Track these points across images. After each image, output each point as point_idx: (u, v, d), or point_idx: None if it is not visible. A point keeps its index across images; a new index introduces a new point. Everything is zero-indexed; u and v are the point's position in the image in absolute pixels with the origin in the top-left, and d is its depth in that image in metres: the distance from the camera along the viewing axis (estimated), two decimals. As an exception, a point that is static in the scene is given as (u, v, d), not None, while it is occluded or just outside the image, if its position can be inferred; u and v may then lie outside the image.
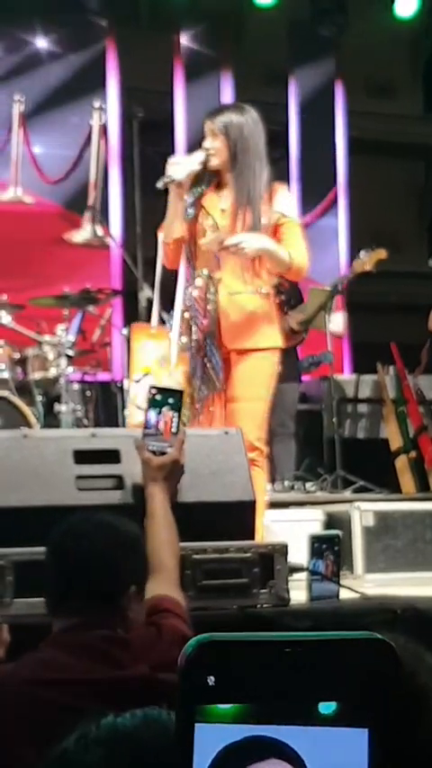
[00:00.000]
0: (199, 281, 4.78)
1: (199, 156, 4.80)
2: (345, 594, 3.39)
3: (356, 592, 3.39)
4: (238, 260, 4.75)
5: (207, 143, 4.81)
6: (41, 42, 10.15)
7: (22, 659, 2.44)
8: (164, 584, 2.75)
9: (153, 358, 4.75)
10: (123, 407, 7.73)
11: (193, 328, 4.75)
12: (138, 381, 4.72)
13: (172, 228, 4.76)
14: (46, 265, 9.44)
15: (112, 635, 2.46)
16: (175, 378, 4.66)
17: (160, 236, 4.76)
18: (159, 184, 4.72)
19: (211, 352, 4.73)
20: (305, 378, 8.67)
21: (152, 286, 4.80)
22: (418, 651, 2.02)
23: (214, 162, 4.79)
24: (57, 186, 9.99)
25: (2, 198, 10.06)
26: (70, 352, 7.29)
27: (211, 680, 0.75)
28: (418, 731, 1.93)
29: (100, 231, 9.67)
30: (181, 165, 4.74)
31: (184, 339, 4.78)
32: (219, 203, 4.83)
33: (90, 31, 10.25)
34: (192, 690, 0.75)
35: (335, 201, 11.33)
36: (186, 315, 4.78)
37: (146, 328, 4.86)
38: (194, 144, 9.71)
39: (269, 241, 4.73)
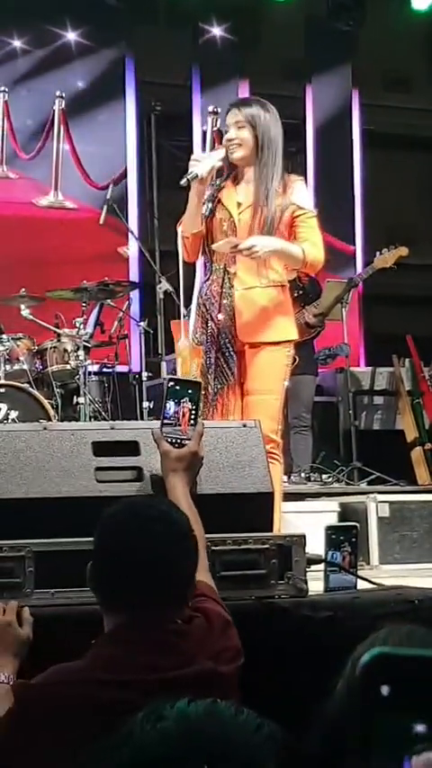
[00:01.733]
0: (215, 276, 4.81)
1: (220, 153, 4.82)
2: (362, 585, 3.41)
3: (373, 583, 3.42)
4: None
5: (232, 133, 4.82)
6: (69, 35, 10.13)
7: (88, 657, 2.41)
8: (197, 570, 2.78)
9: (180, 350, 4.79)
10: (141, 399, 7.79)
11: (209, 323, 4.79)
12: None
13: (192, 222, 4.78)
14: (64, 258, 9.48)
15: (176, 628, 2.48)
16: (194, 370, 4.70)
17: (180, 230, 4.78)
18: (183, 182, 4.72)
19: (226, 346, 4.76)
20: (321, 370, 8.70)
21: (177, 280, 4.83)
22: None
23: (238, 154, 4.80)
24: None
25: (41, 203, 9.99)
26: (88, 345, 7.34)
27: (385, 690, 0.77)
28: None
29: (60, 196, 9.76)
30: (203, 162, 4.75)
31: (199, 333, 4.81)
32: (236, 197, 4.85)
33: (109, 26, 10.26)
34: (367, 699, 0.77)
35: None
36: (203, 309, 4.81)
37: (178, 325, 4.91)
38: (211, 138, 9.82)
39: (280, 241, 4.76)
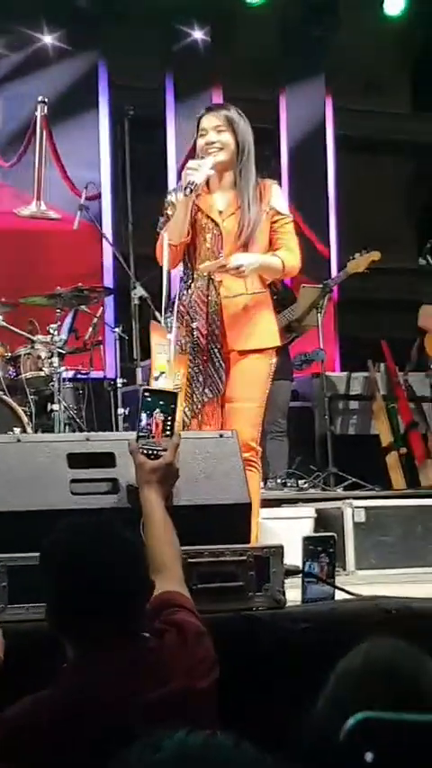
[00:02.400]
0: (199, 283, 4.79)
1: (212, 160, 4.76)
2: (339, 595, 3.40)
3: (351, 594, 3.40)
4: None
5: (212, 137, 4.79)
6: (46, 39, 10.02)
7: (61, 684, 2.37)
8: (169, 582, 2.76)
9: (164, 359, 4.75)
10: (116, 405, 7.75)
11: (195, 332, 4.76)
12: (157, 379, 4.72)
13: (180, 231, 4.74)
14: (39, 264, 9.42)
15: (149, 646, 2.46)
16: (174, 380, 4.66)
17: (165, 237, 4.72)
18: (187, 192, 4.66)
19: (215, 355, 4.74)
20: (297, 375, 8.69)
21: (159, 287, 4.77)
22: (420, 656, 2.03)
23: (220, 158, 4.77)
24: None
25: (23, 213, 9.83)
26: (63, 351, 7.29)
27: (369, 757, 0.75)
28: None
29: (44, 206, 9.62)
30: (200, 170, 4.71)
31: (183, 341, 4.77)
32: (215, 204, 4.83)
33: (83, 29, 10.21)
34: (351, 765, 0.75)
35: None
36: (187, 317, 4.78)
37: (163, 328, 4.85)
38: (185, 143, 9.80)
39: (262, 257, 4.78)
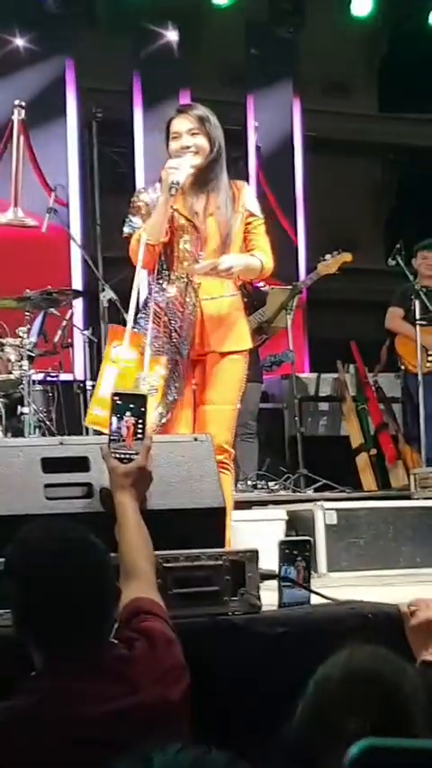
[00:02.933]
0: (177, 284, 4.77)
1: (191, 160, 4.73)
2: (315, 599, 3.39)
3: (327, 598, 3.40)
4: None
5: (187, 140, 4.76)
6: (18, 41, 9.90)
7: (33, 693, 2.34)
8: (141, 587, 2.75)
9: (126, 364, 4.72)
10: (86, 408, 7.72)
11: (173, 333, 4.74)
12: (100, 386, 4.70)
13: (159, 231, 4.71)
14: (6, 267, 9.36)
15: (119, 654, 2.44)
16: (150, 381, 4.64)
17: (143, 237, 4.69)
18: (172, 191, 4.63)
19: (184, 357, 4.74)
20: (266, 377, 8.69)
21: (130, 288, 4.75)
22: (400, 663, 2.02)
23: (197, 161, 4.75)
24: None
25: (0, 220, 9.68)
26: (32, 354, 7.26)
27: None
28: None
29: (21, 213, 9.51)
30: (181, 169, 4.68)
31: (161, 343, 4.75)
32: (191, 205, 4.81)
33: (53, 32, 10.15)
34: None
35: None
36: (165, 318, 4.76)
37: (123, 331, 4.81)
38: (153, 145, 9.78)
39: (244, 257, 4.80)
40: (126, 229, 4.85)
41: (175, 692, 2.45)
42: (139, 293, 4.89)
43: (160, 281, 4.80)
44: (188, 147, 4.74)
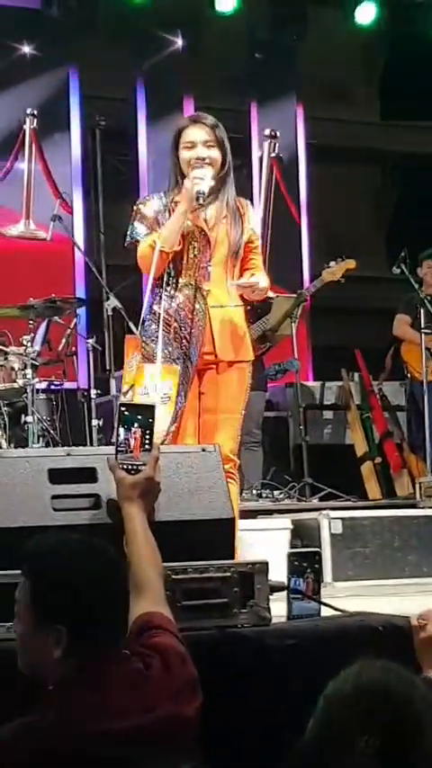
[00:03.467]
0: (186, 292, 4.76)
1: (211, 171, 4.75)
2: (325, 611, 3.36)
3: (338, 610, 3.37)
4: (224, 274, 4.77)
5: (202, 152, 4.77)
6: (25, 49, 9.87)
7: (54, 705, 2.32)
8: (151, 602, 2.72)
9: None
10: (90, 417, 7.70)
11: (183, 340, 4.73)
12: (125, 394, 4.68)
13: (175, 239, 4.71)
14: (10, 275, 9.33)
15: (136, 669, 2.43)
16: (163, 390, 4.63)
17: (158, 243, 4.69)
18: (201, 201, 4.66)
19: (192, 364, 4.73)
20: (271, 385, 8.67)
21: (137, 295, 4.76)
22: (411, 678, 2.01)
23: (212, 173, 4.77)
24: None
25: (11, 232, 9.59)
26: (36, 362, 7.25)
27: None
28: (415, 756, 1.92)
29: (32, 225, 9.45)
30: (206, 180, 4.70)
31: (170, 349, 4.74)
32: (202, 214, 4.80)
33: (57, 40, 10.14)
34: None
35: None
36: (176, 326, 4.75)
37: (137, 340, 4.80)
38: (156, 153, 9.77)
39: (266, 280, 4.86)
40: (132, 234, 4.84)
41: (189, 708, 2.44)
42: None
43: (167, 288, 4.78)
44: (203, 159, 4.74)
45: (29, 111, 9.44)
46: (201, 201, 4.67)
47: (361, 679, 1.98)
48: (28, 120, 9.47)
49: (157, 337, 4.70)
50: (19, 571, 2.62)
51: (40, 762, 2.22)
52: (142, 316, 4.78)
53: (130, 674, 2.41)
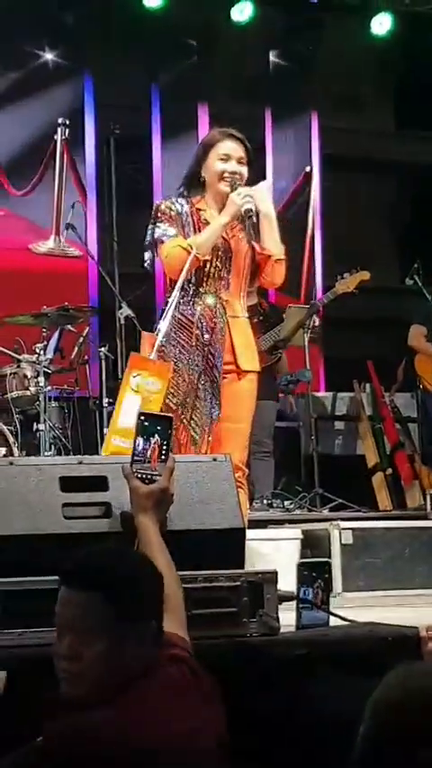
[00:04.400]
0: (208, 300, 4.79)
1: (250, 189, 4.83)
2: (334, 621, 3.37)
3: (347, 620, 3.37)
4: (238, 284, 4.81)
5: (236, 167, 4.84)
6: (47, 56, 9.83)
7: (114, 704, 2.33)
8: (169, 623, 2.63)
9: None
10: (102, 425, 7.71)
11: (206, 347, 4.76)
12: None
13: (209, 247, 4.78)
14: (23, 283, 9.35)
15: (174, 673, 2.45)
16: (149, 388, 4.64)
17: (194, 249, 4.73)
18: (253, 219, 4.76)
19: (219, 373, 4.75)
20: (281, 395, 8.68)
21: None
22: None
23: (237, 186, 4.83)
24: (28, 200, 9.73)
25: (40, 250, 9.47)
26: (48, 370, 7.26)
27: None
28: None
29: (62, 242, 9.40)
30: (253, 197, 4.78)
31: (191, 356, 4.75)
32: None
33: (68, 47, 10.16)
34: None
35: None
36: (197, 331, 4.77)
37: (144, 362, 4.80)
38: (171, 161, 9.78)
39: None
40: (158, 233, 4.85)
41: (218, 713, 2.47)
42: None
43: (185, 296, 4.81)
44: (235, 174, 4.83)
45: (60, 120, 9.32)
46: (254, 220, 4.77)
47: (408, 685, 1.89)
48: (59, 129, 9.35)
49: (177, 342, 4.74)
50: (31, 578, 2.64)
51: (98, 756, 2.22)
52: (164, 318, 4.76)
53: (173, 679, 2.45)
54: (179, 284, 4.71)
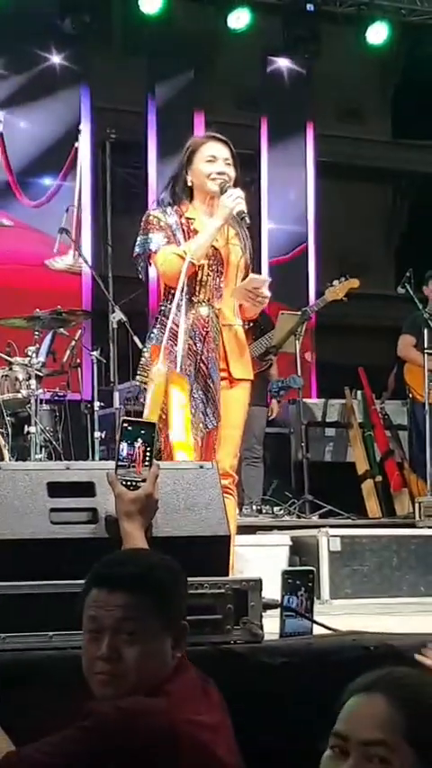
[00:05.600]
0: (201, 309, 4.80)
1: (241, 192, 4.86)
2: (317, 629, 3.38)
3: (330, 629, 3.39)
4: (231, 292, 4.83)
5: (223, 167, 4.84)
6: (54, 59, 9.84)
7: (164, 695, 2.42)
8: None
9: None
10: (93, 428, 7.73)
11: (198, 356, 4.76)
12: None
13: (204, 252, 4.78)
14: (16, 286, 9.35)
15: (195, 673, 2.55)
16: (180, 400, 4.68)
17: (188, 255, 4.74)
18: (248, 221, 4.81)
19: (215, 381, 4.76)
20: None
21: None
22: None
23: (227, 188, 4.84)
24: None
25: (57, 266, 9.33)
26: (40, 373, 7.28)
27: None
28: None
29: (80, 259, 9.27)
30: (243, 199, 4.80)
31: (188, 364, 4.76)
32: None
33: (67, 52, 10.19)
34: None
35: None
36: (191, 341, 4.78)
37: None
38: (166, 166, 9.80)
39: None
40: (150, 244, 4.86)
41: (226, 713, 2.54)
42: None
43: (179, 304, 4.80)
44: (223, 174, 4.83)
45: (81, 126, 9.22)
46: (248, 222, 4.80)
47: (391, 677, 1.91)
48: (81, 137, 9.23)
49: (170, 353, 4.74)
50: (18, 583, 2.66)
51: (152, 742, 2.30)
52: (169, 322, 4.77)
53: (193, 676, 2.54)
54: (179, 290, 4.72)
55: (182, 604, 2.59)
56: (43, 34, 10.04)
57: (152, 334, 4.86)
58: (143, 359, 4.90)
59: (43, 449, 7.21)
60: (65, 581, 2.92)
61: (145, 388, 4.82)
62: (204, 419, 4.72)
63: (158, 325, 4.85)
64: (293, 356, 8.22)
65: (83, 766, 2.28)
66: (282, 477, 8.78)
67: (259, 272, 5.24)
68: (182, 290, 4.74)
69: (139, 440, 3.13)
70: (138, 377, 4.93)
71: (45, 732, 2.37)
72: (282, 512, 7.96)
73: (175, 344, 4.74)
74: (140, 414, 4.82)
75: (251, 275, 4.89)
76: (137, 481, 3.09)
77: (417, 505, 7.59)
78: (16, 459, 6.93)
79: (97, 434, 7.64)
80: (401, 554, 6.40)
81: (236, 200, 4.77)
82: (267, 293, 4.84)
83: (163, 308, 4.86)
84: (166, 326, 4.79)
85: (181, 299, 4.76)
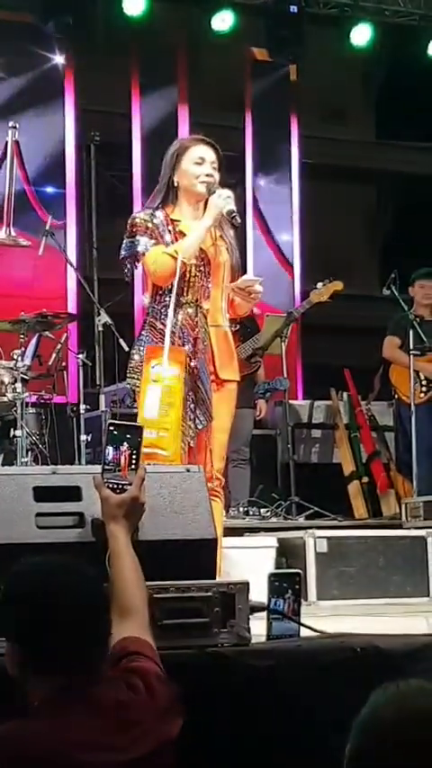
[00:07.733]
0: (188, 310, 4.80)
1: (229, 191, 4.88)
2: (304, 631, 3.38)
3: (317, 631, 3.39)
4: (219, 293, 4.83)
5: (210, 170, 4.86)
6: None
7: (41, 719, 2.33)
8: (133, 626, 2.71)
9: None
10: (79, 431, 7.73)
11: (186, 357, 4.77)
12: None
13: (195, 252, 4.81)
14: (1, 289, 9.34)
15: (117, 691, 2.43)
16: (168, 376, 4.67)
17: (179, 255, 4.74)
18: (238, 220, 4.85)
19: (205, 381, 4.76)
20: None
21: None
22: None
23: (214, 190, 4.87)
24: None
25: None
26: (26, 377, 7.27)
27: None
28: None
29: (13, 232, 9.39)
30: (232, 199, 4.83)
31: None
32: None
33: (47, 55, 10.18)
34: None
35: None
36: (178, 340, 4.78)
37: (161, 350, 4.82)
38: (151, 168, 9.80)
39: None
40: (138, 246, 4.86)
41: (174, 728, 2.45)
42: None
43: (167, 305, 4.80)
44: (211, 176, 4.85)
45: (11, 123, 9.25)
46: (239, 220, 4.84)
47: (404, 704, 1.79)
48: (10, 132, 9.23)
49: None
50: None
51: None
52: (168, 321, 4.77)
53: (114, 695, 2.42)
54: (173, 293, 4.73)
55: (30, 625, 2.42)
56: (27, 37, 10.03)
57: (142, 337, 4.86)
58: (132, 361, 4.89)
59: (29, 452, 7.20)
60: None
61: (135, 391, 4.82)
62: (195, 419, 4.71)
63: (147, 327, 4.86)
64: (279, 358, 8.23)
65: None
66: (268, 478, 8.78)
67: (244, 273, 5.23)
68: (171, 291, 4.75)
69: (126, 443, 3.12)
70: (128, 379, 4.92)
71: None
72: (268, 513, 7.96)
73: (161, 344, 4.75)
74: (127, 416, 4.82)
75: (243, 277, 4.91)
76: (123, 484, 3.09)
77: (403, 506, 7.59)
78: (2, 463, 6.92)
79: (83, 437, 7.63)
80: (388, 555, 6.40)
81: (226, 199, 4.80)
82: (260, 289, 4.87)
83: (151, 309, 4.87)
84: (155, 328, 4.79)
85: (170, 299, 4.77)
